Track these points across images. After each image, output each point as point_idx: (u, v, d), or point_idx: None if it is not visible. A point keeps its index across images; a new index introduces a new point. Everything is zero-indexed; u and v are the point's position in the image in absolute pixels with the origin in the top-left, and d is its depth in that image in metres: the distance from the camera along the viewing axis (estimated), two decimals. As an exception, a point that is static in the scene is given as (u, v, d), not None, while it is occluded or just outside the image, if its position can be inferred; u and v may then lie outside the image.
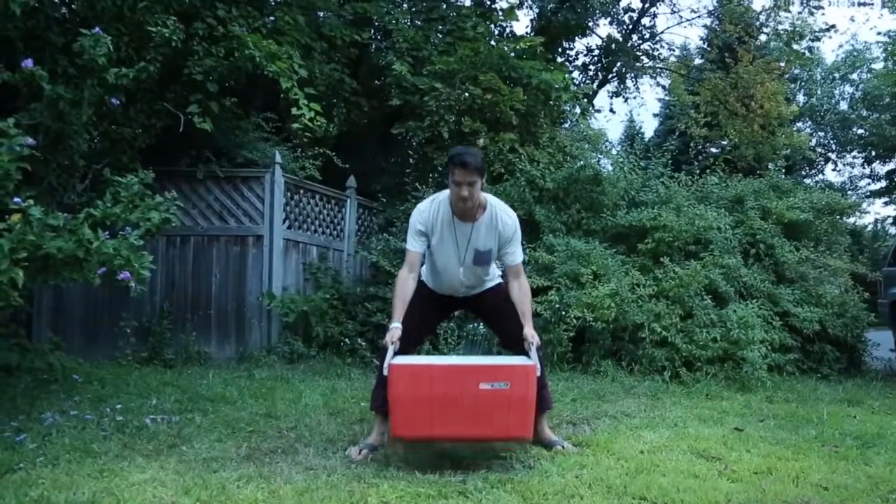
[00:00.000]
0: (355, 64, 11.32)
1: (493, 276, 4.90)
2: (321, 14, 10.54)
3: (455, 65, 10.13)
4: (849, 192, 27.42)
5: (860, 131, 26.39)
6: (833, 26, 17.28)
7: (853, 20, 46.18)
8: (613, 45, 18.30)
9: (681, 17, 20.14)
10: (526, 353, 4.42)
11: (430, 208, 4.66)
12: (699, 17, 20.44)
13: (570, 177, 9.35)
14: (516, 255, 4.71)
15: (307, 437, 4.81)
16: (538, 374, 4.14)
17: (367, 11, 10.86)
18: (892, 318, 9.99)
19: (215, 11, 7.81)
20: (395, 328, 4.40)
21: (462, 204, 4.46)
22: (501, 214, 4.67)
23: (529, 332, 4.45)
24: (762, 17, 18.52)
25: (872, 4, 17.97)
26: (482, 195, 4.61)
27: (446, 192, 4.63)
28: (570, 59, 18.51)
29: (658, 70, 21.12)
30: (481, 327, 7.90)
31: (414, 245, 4.64)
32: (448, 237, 4.61)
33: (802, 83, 29.14)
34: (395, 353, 4.29)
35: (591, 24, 17.89)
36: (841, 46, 37.28)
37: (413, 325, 4.53)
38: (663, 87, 22.80)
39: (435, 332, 7.66)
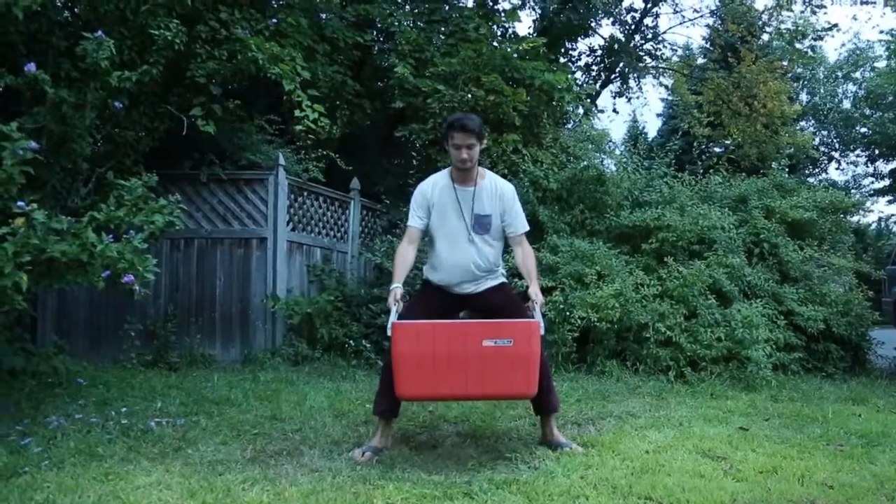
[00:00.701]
0: (358, 66, 11.33)
1: (498, 269, 4.87)
2: (323, 16, 10.54)
3: (458, 66, 10.13)
4: (852, 191, 27.44)
5: (863, 130, 26.39)
6: (835, 25, 17.35)
7: (855, 19, 46.45)
8: (616, 46, 18.32)
9: (683, 16, 20.24)
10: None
11: (429, 183, 4.78)
12: (701, 16, 20.52)
13: (574, 177, 9.35)
14: (520, 223, 4.80)
15: (312, 440, 4.81)
16: (542, 332, 4.17)
17: (370, 13, 10.87)
18: (897, 317, 9.99)
19: (218, 14, 7.83)
20: (396, 288, 4.51)
21: (461, 166, 4.56)
22: (500, 181, 4.81)
23: (534, 291, 4.53)
24: (764, 17, 18.58)
25: (875, 3, 17.98)
26: (480, 168, 4.73)
27: (446, 170, 4.77)
28: (573, 59, 18.57)
29: (661, 70, 21.16)
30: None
31: (413, 221, 4.73)
32: (449, 204, 4.65)
33: (805, 82, 29.13)
34: (398, 313, 4.35)
35: (593, 24, 17.94)
36: (843, 45, 37.33)
37: None
38: (666, 87, 22.85)
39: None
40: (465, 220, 4.64)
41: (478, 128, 4.54)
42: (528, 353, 4.08)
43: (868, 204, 26.54)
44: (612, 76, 19.46)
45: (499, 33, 13.32)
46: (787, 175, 10.52)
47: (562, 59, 16.64)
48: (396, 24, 11.03)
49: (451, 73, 10.17)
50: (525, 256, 4.77)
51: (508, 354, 4.05)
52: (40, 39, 6.50)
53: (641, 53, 19.56)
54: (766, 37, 20.58)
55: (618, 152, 11.61)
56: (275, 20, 8.52)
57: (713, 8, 20.11)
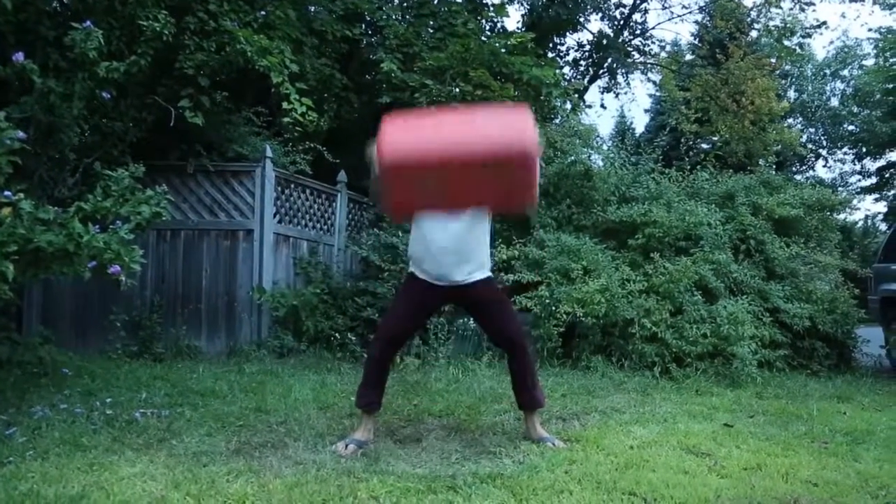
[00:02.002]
0: (346, 59, 11.30)
1: (485, 262, 4.76)
2: (312, 9, 10.52)
3: (445, 61, 10.12)
4: (839, 189, 27.57)
5: (851, 127, 26.52)
6: (824, 23, 17.41)
7: (844, 16, 46.45)
8: (604, 41, 18.37)
9: (672, 12, 20.25)
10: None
11: None
12: (690, 12, 20.56)
13: (561, 172, 9.37)
14: None
15: (297, 432, 4.80)
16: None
17: (358, 7, 10.83)
18: (882, 315, 10.03)
19: (206, 6, 7.79)
20: None
21: None
22: None
23: None
24: (753, 14, 18.63)
25: (863, 1, 18.04)
26: None
27: None
28: (561, 54, 18.59)
29: (649, 66, 21.18)
30: (471, 322, 7.92)
31: None
32: None
33: (793, 79, 29.27)
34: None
35: (581, 19, 17.97)
36: (832, 43, 37.43)
37: (402, 320, 4.57)
38: (654, 82, 22.87)
39: (424, 326, 7.67)
40: None
41: None
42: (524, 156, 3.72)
43: (855, 201, 26.76)
44: (601, 71, 19.51)
45: (487, 28, 13.34)
46: (774, 172, 10.58)
47: (550, 55, 16.66)
48: (385, 17, 11.01)
49: (439, 67, 10.16)
50: None
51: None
52: (29, 29, 6.47)
53: (630, 49, 19.62)
54: (754, 33, 20.69)
55: (605, 148, 11.64)
56: (263, 12, 8.51)
57: (702, 4, 20.17)
